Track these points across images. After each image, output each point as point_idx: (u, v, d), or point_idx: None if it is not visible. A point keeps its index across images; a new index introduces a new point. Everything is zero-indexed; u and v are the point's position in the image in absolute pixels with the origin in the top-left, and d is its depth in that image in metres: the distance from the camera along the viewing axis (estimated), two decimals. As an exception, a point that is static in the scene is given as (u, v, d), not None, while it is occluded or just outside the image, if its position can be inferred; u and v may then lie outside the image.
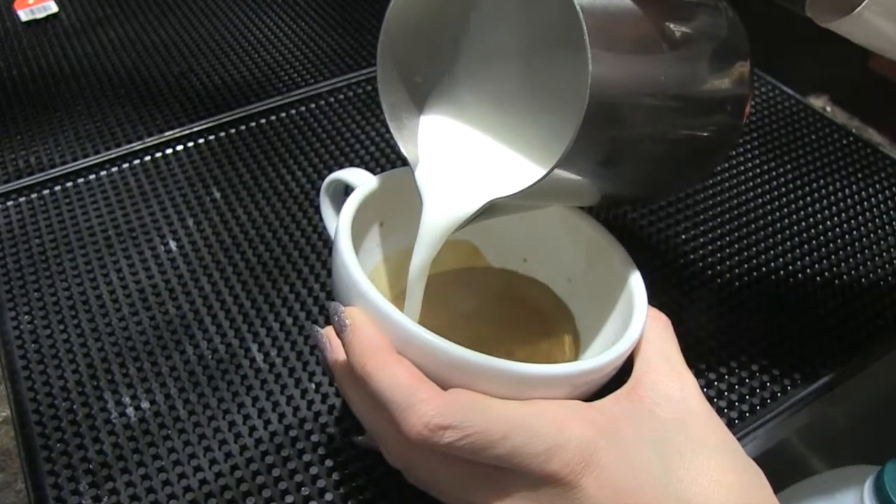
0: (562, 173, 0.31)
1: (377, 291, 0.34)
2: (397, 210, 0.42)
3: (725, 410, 0.46)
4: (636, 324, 0.37)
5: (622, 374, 0.37)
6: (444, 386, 0.33)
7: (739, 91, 0.37)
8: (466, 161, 0.38)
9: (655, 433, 0.34)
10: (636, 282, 0.39)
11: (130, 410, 0.45)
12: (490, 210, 0.36)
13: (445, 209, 0.37)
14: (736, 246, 0.55)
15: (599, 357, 0.35)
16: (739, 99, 0.37)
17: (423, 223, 0.37)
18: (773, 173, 0.62)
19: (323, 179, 0.59)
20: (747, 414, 0.46)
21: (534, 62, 0.39)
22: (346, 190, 0.43)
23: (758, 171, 0.62)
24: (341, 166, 0.61)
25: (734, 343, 0.49)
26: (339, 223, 0.38)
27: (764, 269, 0.54)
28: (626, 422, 0.34)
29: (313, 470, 0.42)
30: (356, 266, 0.35)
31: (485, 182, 0.37)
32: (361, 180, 0.41)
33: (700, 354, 0.48)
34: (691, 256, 0.54)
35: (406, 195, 0.39)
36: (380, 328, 0.34)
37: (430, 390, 0.32)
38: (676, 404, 0.35)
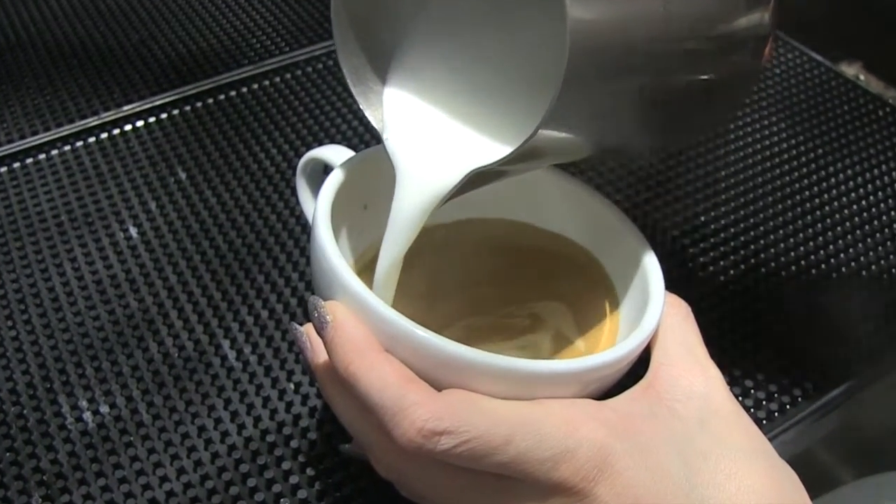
0: (550, 132, 0.31)
1: (361, 283, 0.34)
2: (382, 191, 0.42)
3: (752, 410, 0.46)
4: (652, 312, 0.37)
5: (638, 367, 0.37)
6: (439, 387, 0.33)
7: (759, 24, 0.36)
8: (442, 127, 0.37)
9: (676, 434, 0.34)
10: (651, 265, 0.39)
11: (88, 415, 0.45)
12: (473, 180, 0.35)
13: (423, 183, 0.36)
14: (761, 229, 0.55)
15: (611, 351, 0.35)
16: (758, 35, 0.36)
17: (398, 202, 0.36)
18: (800, 149, 0.62)
19: (300, 156, 0.59)
20: (765, 421, 0.46)
21: (508, 10, 0.38)
22: (326, 169, 0.42)
23: (783, 146, 0.62)
24: (320, 143, 0.60)
25: (751, 340, 0.49)
26: (316, 207, 0.37)
27: (788, 255, 0.54)
28: (643, 422, 0.34)
29: (293, 479, 0.42)
30: (337, 255, 0.35)
31: (465, 149, 0.36)
32: (341, 158, 0.41)
33: (712, 357, 0.48)
34: (711, 240, 0.54)
35: (392, 174, 0.39)
36: (365, 324, 0.33)
37: (422, 392, 0.32)
38: (699, 401, 0.35)
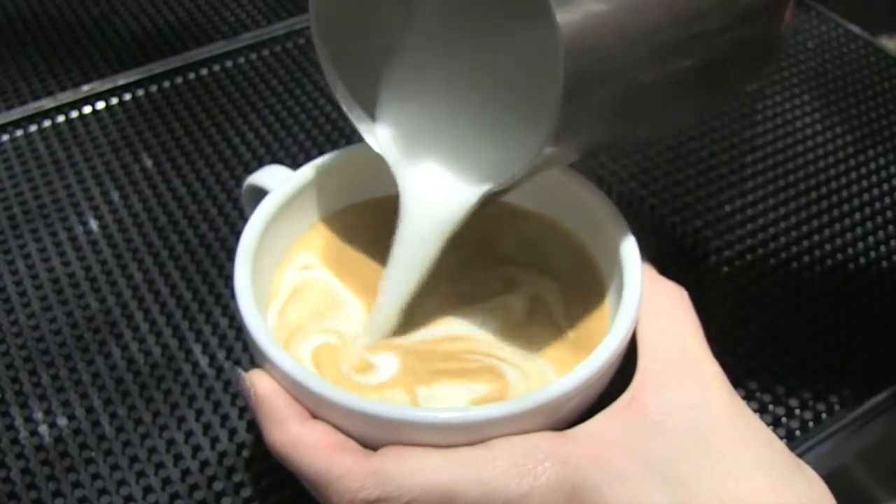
0: (559, 143, 0.32)
1: (279, 349, 0.35)
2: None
3: (770, 427, 0.46)
4: (625, 312, 0.36)
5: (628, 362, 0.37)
6: (376, 444, 0.33)
7: None
8: (446, 150, 0.38)
9: (662, 453, 0.33)
10: (627, 246, 0.38)
11: (43, 428, 0.45)
12: (484, 199, 0.37)
13: (434, 210, 0.37)
14: (792, 220, 0.55)
15: (567, 378, 0.34)
16: None
17: (406, 232, 0.38)
18: (835, 131, 0.62)
19: (279, 140, 0.60)
20: (797, 432, 0.45)
21: (498, 23, 0.39)
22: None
23: (817, 128, 0.62)
24: (301, 125, 0.60)
25: (782, 342, 0.49)
26: (235, 264, 0.38)
27: (820, 249, 0.54)
28: (619, 447, 0.33)
29: (273, 498, 0.42)
30: (256, 320, 0.36)
31: (474, 171, 0.37)
32: (277, 183, 0.42)
33: (735, 357, 0.48)
34: (737, 232, 0.54)
35: (350, 183, 0.42)
36: (289, 391, 0.35)
37: (349, 460, 0.33)
38: (693, 411, 0.34)
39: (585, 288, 0.41)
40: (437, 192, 0.37)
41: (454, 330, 0.39)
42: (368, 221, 0.43)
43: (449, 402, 0.36)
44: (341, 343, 0.39)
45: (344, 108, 0.40)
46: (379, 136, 0.39)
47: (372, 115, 0.40)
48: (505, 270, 0.41)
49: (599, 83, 0.31)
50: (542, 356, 0.38)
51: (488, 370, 0.37)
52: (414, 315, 0.39)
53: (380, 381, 0.37)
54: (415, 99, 0.40)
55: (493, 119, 0.38)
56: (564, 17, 0.29)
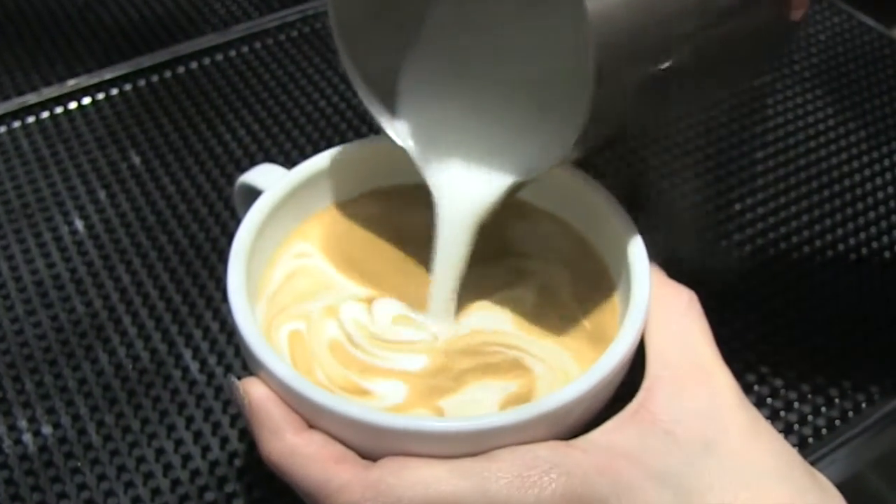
0: (591, 129, 0.32)
1: (274, 356, 0.34)
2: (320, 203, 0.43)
3: (782, 435, 0.46)
4: (633, 317, 0.36)
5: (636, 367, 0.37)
6: (374, 455, 0.33)
7: None
8: (473, 137, 0.39)
9: (672, 464, 0.33)
10: (634, 249, 0.38)
11: (27, 437, 0.45)
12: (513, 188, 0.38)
13: (467, 199, 0.38)
14: (805, 217, 0.55)
15: (573, 386, 0.34)
16: None
17: (443, 218, 0.39)
18: (849, 126, 0.62)
19: (272, 137, 0.59)
20: (810, 440, 0.45)
21: (521, 9, 0.40)
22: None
23: (830, 123, 0.62)
24: (295, 122, 0.60)
25: (795, 345, 0.49)
26: (228, 266, 0.38)
27: (833, 249, 0.54)
28: (627, 457, 0.33)
29: (266, 509, 0.42)
30: (250, 326, 0.36)
31: (504, 158, 0.38)
32: (270, 182, 0.42)
33: (746, 362, 0.48)
34: (748, 231, 0.54)
35: (347, 182, 0.42)
36: (285, 399, 0.35)
37: (348, 471, 0.33)
38: (703, 420, 0.34)
39: (595, 282, 0.41)
40: (463, 186, 0.39)
41: (474, 325, 0.39)
42: (367, 216, 0.44)
43: (478, 404, 0.36)
44: (335, 320, 0.39)
45: (364, 100, 0.40)
46: (400, 130, 0.40)
47: (391, 109, 0.40)
48: (515, 262, 0.42)
49: (629, 62, 0.32)
50: (562, 346, 0.38)
51: (515, 364, 0.37)
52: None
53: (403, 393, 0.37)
54: (435, 91, 0.40)
55: (519, 107, 0.39)
56: (591, 3, 0.29)
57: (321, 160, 0.42)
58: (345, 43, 0.39)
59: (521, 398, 0.36)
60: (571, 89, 0.35)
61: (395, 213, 0.44)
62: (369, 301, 0.40)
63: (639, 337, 0.36)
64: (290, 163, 0.43)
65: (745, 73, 0.40)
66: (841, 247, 0.54)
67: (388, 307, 0.40)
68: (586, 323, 0.39)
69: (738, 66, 0.38)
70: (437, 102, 0.40)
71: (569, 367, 0.38)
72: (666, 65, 0.33)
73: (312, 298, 0.40)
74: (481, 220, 0.38)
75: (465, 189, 0.39)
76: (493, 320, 0.40)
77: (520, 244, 0.43)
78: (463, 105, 0.40)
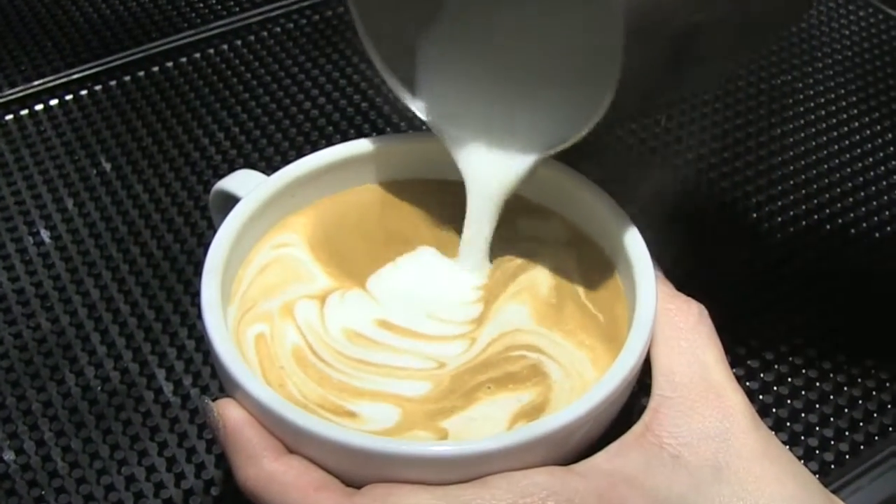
0: (617, 97, 0.34)
1: (252, 377, 0.35)
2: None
3: (801, 461, 0.46)
4: (637, 334, 0.36)
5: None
6: (358, 481, 0.33)
7: None
8: (499, 109, 0.41)
9: (679, 490, 0.33)
10: (638, 255, 0.39)
11: (-12, 464, 0.45)
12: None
13: (493, 175, 0.41)
14: (827, 227, 0.55)
15: (571, 408, 0.34)
16: None
17: (473, 194, 0.41)
18: (875, 129, 0.62)
19: (252, 141, 0.60)
20: (832, 466, 0.45)
21: None
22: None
23: (854, 125, 0.62)
24: (278, 125, 0.61)
25: (817, 364, 0.49)
26: (202, 279, 0.38)
27: (869, 258, 0.54)
28: (629, 482, 0.33)
29: (245, 542, 0.42)
30: (226, 346, 0.36)
31: (530, 130, 0.40)
32: (248, 189, 0.42)
33: (762, 382, 0.48)
34: (768, 241, 0.54)
35: (329, 189, 0.43)
36: (264, 423, 0.35)
37: (329, 499, 0.33)
38: (713, 443, 0.34)
39: (604, 283, 0.42)
40: (488, 162, 0.41)
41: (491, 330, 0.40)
42: (351, 216, 0.44)
43: (487, 421, 0.36)
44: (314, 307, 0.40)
45: (385, 79, 0.42)
46: (422, 108, 0.43)
47: (410, 88, 0.43)
48: (524, 245, 0.43)
49: (656, 26, 0.33)
50: (578, 345, 0.39)
51: (534, 371, 0.38)
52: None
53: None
54: (457, 67, 0.43)
55: (542, 81, 0.41)
56: None
57: (303, 165, 0.42)
58: (364, 22, 0.41)
59: (537, 409, 0.36)
60: (596, 61, 0.36)
61: (381, 215, 0.44)
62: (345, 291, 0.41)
63: (644, 353, 0.36)
64: (271, 168, 0.43)
65: (764, 34, 0.41)
66: (876, 255, 0.54)
67: (369, 306, 0.41)
68: (600, 316, 0.40)
69: (767, 14, 0.40)
70: (460, 79, 0.43)
71: (585, 371, 0.38)
72: (694, 18, 0.34)
73: (280, 292, 0.40)
74: (509, 194, 0.41)
75: (490, 165, 0.41)
76: (513, 313, 0.40)
77: (530, 231, 0.44)
78: (485, 81, 0.42)
